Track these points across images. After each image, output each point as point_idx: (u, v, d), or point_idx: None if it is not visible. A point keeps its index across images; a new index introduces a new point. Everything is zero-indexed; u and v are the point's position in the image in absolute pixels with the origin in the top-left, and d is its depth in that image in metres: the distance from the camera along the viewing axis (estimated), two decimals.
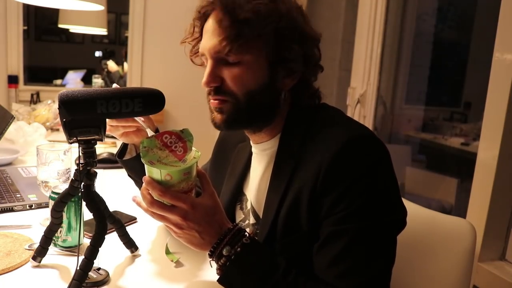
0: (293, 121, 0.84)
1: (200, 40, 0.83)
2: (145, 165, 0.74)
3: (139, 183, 1.04)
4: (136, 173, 1.02)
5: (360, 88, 2.27)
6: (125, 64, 2.99)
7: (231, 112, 0.80)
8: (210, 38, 0.79)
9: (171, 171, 0.71)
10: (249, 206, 0.93)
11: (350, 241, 0.71)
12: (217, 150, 1.07)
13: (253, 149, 0.92)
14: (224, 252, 0.74)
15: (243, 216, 0.94)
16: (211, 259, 0.77)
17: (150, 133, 0.93)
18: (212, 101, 0.81)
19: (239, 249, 0.73)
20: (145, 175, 0.75)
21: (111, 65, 2.94)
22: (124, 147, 1.03)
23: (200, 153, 0.75)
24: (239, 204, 0.96)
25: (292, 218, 0.78)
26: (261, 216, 0.87)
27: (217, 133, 1.04)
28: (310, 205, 0.75)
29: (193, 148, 0.76)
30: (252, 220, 0.91)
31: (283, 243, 0.79)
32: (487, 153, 1.33)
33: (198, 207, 0.74)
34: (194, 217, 0.73)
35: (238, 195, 0.96)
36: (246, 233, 0.76)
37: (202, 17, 0.82)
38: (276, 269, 0.73)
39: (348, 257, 0.72)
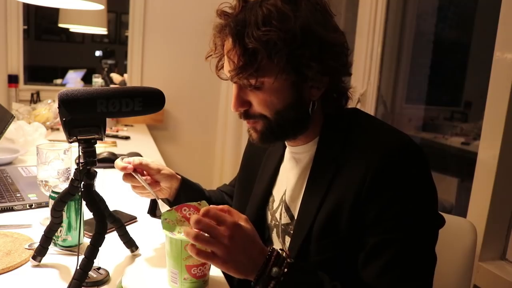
0: (331, 127, 0.85)
1: (223, 56, 0.84)
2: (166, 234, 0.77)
3: None
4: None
5: (360, 87, 2.27)
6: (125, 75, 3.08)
7: (264, 130, 0.82)
8: (226, 65, 0.80)
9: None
10: (275, 207, 0.94)
11: (402, 248, 0.73)
12: (247, 155, 1.09)
13: (288, 152, 0.93)
14: (273, 273, 0.71)
15: (270, 216, 0.95)
16: (257, 287, 0.73)
17: (162, 206, 0.93)
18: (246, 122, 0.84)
19: (286, 269, 0.72)
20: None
21: (115, 76, 3.07)
22: (153, 203, 1.04)
23: None
24: (267, 205, 0.97)
25: (332, 221, 0.78)
26: (295, 216, 0.88)
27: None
28: (353, 210, 0.76)
29: None
30: (284, 220, 0.91)
31: (320, 245, 0.80)
32: (487, 152, 1.33)
33: (240, 226, 0.72)
34: (240, 234, 0.71)
35: (268, 197, 0.97)
36: (285, 253, 0.75)
37: (221, 37, 0.82)
38: (322, 284, 0.74)
39: (400, 263, 0.73)
